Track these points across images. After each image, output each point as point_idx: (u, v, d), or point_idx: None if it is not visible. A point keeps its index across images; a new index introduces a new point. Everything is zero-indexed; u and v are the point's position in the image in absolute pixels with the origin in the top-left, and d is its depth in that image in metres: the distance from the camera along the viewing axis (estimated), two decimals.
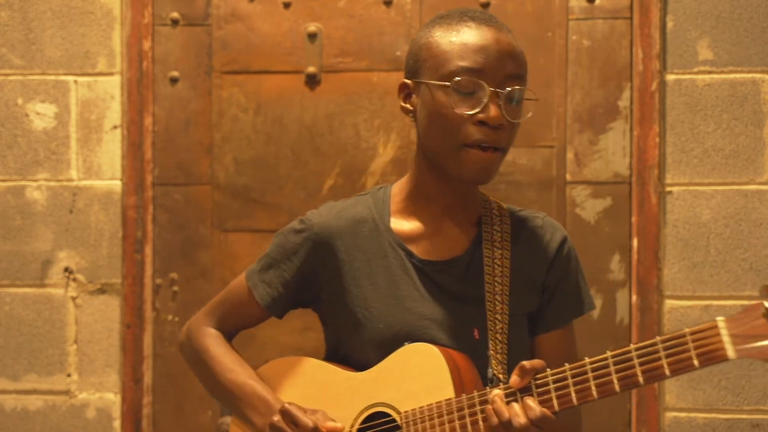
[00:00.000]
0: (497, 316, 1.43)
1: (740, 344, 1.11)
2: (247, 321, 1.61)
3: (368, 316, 1.46)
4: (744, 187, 2.39)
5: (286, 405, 1.42)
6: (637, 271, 2.42)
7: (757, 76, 2.39)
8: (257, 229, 2.56)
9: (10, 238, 2.55)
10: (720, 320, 1.13)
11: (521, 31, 2.50)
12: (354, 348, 1.49)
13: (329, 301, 1.52)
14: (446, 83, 1.38)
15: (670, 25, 2.42)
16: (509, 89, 1.38)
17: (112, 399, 2.53)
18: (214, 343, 1.58)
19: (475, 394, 1.31)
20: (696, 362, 1.16)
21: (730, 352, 1.12)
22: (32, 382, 2.54)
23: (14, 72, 2.56)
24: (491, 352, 1.41)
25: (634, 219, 2.44)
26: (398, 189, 1.54)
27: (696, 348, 1.16)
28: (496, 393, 1.27)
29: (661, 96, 2.42)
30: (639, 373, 1.22)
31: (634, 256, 2.43)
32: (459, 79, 1.37)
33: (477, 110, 1.37)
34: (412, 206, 1.50)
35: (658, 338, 1.19)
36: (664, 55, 2.42)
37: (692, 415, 2.39)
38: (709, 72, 2.40)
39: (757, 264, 2.37)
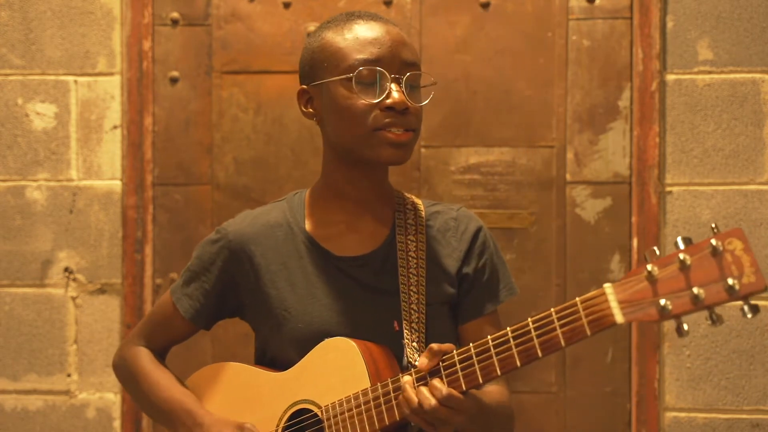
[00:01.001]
0: (413, 306, 1.47)
1: (627, 309, 1.14)
2: (175, 335, 1.64)
3: (287, 317, 1.49)
4: (744, 187, 2.39)
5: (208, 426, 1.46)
6: None
7: (757, 76, 2.39)
8: None
9: (10, 238, 2.55)
10: (607, 286, 1.16)
11: (521, 31, 2.50)
12: (278, 349, 1.52)
13: (251, 307, 1.55)
14: (349, 75, 1.43)
15: (670, 25, 2.42)
16: (409, 74, 1.43)
17: (112, 399, 2.53)
18: (142, 361, 1.62)
19: (389, 381, 1.35)
20: (588, 330, 1.17)
21: (618, 316, 1.14)
22: (32, 382, 2.54)
23: (14, 72, 2.56)
24: (406, 340, 1.44)
25: (634, 219, 2.44)
26: (312, 192, 1.58)
27: (587, 316, 1.17)
28: (406, 380, 1.31)
29: (661, 96, 2.42)
30: (537, 345, 1.22)
31: (634, 256, 2.43)
32: (361, 69, 1.42)
33: (382, 97, 1.42)
34: (326, 206, 1.54)
35: (552, 309, 1.21)
36: (664, 55, 2.42)
37: (692, 415, 2.39)
38: (709, 72, 2.40)
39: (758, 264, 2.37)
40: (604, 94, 2.50)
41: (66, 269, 2.54)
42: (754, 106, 2.39)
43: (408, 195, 1.59)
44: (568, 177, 2.50)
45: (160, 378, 1.59)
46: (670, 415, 2.39)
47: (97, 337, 2.54)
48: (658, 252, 1.14)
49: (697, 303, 1.09)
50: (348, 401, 1.39)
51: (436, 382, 1.28)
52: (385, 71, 1.42)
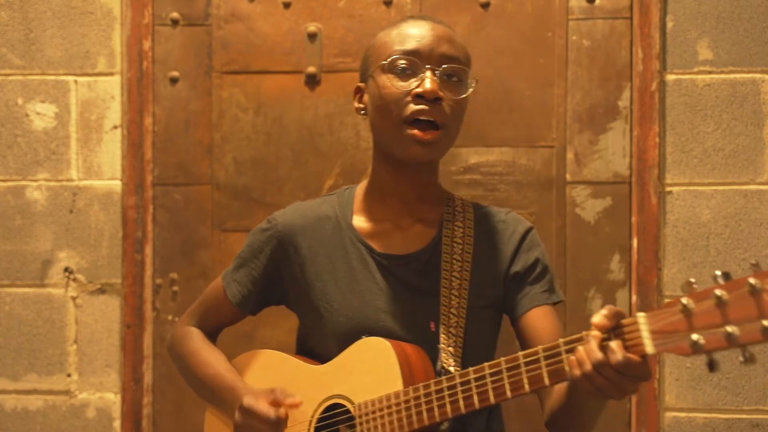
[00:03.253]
0: (452, 310, 1.48)
1: (659, 340, 1.13)
2: (225, 319, 1.68)
3: (330, 310, 1.52)
4: (744, 187, 2.39)
5: (243, 402, 1.47)
6: (637, 271, 2.42)
7: (757, 76, 2.39)
8: None
9: (10, 238, 2.55)
10: (641, 315, 1.15)
11: (521, 31, 2.50)
12: (318, 341, 1.55)
13: (295, 297, 1.59)
14: (384, 62, 1.47)
15: (670, 25, 2.42)
16: (445, 66, 1.47)
17: (112, 399, 2.53)
18: (193, 341, 1.66)
19: (420, 386, 1.37)
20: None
21: (649, 347, 1.14)
22: (32, 382, 2.54)
23: (14, 72, 2.56)
24: (442, 345, 1.45)
25: (634, 219, 2.44)
26: (361, 188, 1.61)
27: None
28: (594, 334, 1.20)
29: (661, 96, 2.42)
30: (565, 366, 1.23)
31: (634, 256, 2.43)
32: (396, 57, 1.46)
33: (414, 85, 1.45)
34: (373, 204, 1.57)
35: (584, 333, 1.21)
36: (664, 55, 2.42)
37: (692, 415, 2.39)
38: (709, 72, 2.40)
39: None
40: (604, 94, 2.50)
41: (66, 269, 2.54)
42: (754, 106, 2.39)
43: (458, 196, 1.61)
44: (568, 177, 2.50)
45: (208, 356, 1.62)
46: (670, 415, 2.39)
47: (97, 337, 2.54)
48: (695, 285, 1.12)
49: (730, 341, 1.07)
50: (381, 401, 1.41)
51: (615, 344, 1.18)
52: (420, 61, 1.46)
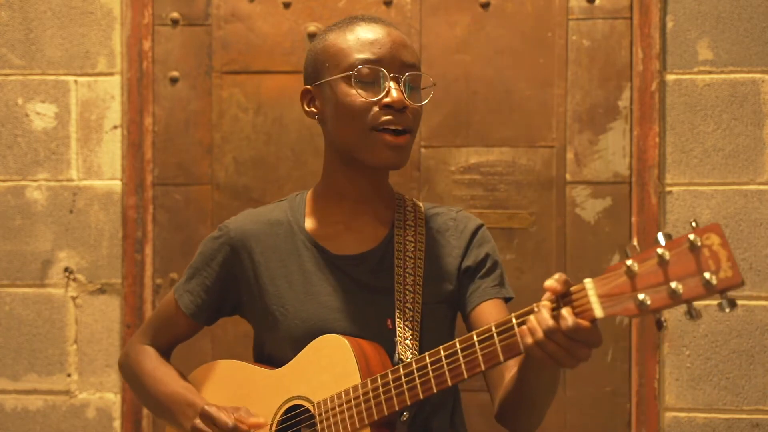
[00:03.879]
0: (407, 305, 1.49)
1: (606, 303, 1.14)
2: (179, 333, 1.66)
3: (284, 314, 1.51)
4: (744, 187, 2.39)
5: (205, 407, 1.47)
6: None
7: (757, 76, 2.39)
8: None
9: (10, 238, 2.55)
10: (587, 281, 1.17)
11: (521, 31, 2.50)
12: (275, 346, 1.55)
13: (249, 303, 1.58)
14: (349, 73, 1.46)
15: (670, 25, 2.42)
16: (408, 74, 1.47)
17: (112, 399, 2.53)
18: (146, 359, 1.64)
19: (378, 376, 1.37)
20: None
21: (598, 311, 1.15)
22: (32, 382, 2.54)
23: (14, 72, 2.56)
24: (399, 338, 1.46)
25: (634, 219, 2.44)
26: (313, 192, 1.61)
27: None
28: (544, 304, 1.21)
29: (661, 96, 2.42)
30: (519, 340, 1.24)
31: None
32: (361, 67, 1.46)
33: (381, 95, 1.45)
34: (325, 206, 1.57)
35: (534, 305, 1.22)
36: (664, 55, 2.42)
37: (692, 415, 2.39)
38: (709, 72, 2.40)
39: (757, 264, 2.37)
40: (604, 94, 2.50)
41: (66, 269, 2.55)
42: (754, 106, 2.39)
43: (408, 197, 1.62)
44: (568, 177, 2.50)
45: (163, 374, 1.61)
46: (670, 415, 2.39)
47: (97, 337, 2.54)
48: (638, 247, 1.15)
49: (674, 297, 1.09)
50: (339, 397, 1.41)
51: (565, 311, 1.19)
52: (385, 71, 1.46)
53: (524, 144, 2.51)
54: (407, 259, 1.52)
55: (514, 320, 1.24)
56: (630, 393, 2.45)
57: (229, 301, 1.61)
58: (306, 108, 1.55)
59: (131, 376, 1.67)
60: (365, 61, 1.46)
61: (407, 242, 1.54)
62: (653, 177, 2.41)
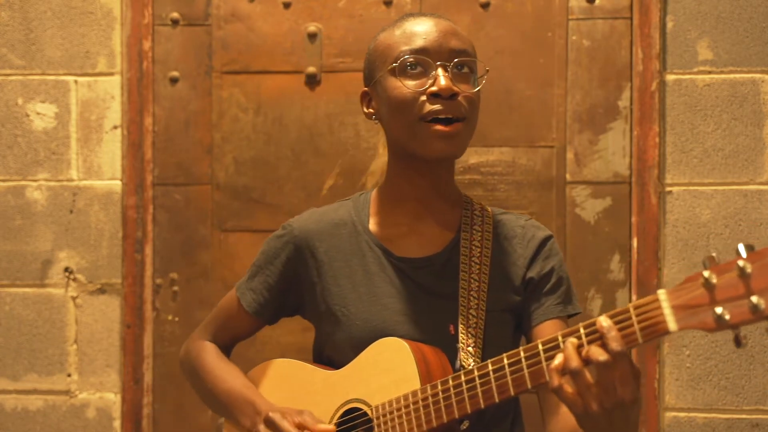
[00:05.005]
0: (471, 311, 1.45)
1: (681, 316, 1.08)
2: (240, 331, 1.65)
3: (347, 314, 1.49)
4: (744, 187, 2.39)
5: (270, 414, 1.44)
6: (637, 271, 2.42)
7: (757, 76, 2.39)
8: (257, 229, 2.56)
9: (10, 238, 2.55)
10: (661, 292, 1.11)
11: (521, 31, 2.50)
12: (335, 347, 1.52)
13: (311, 303, 1.56)
14: (393, 65, 1.44)
15: (670, 25, 2.42)
16: (456, 60, 1.44)
17: (112, 399, 2.53)
18: (207, 355, 1.63)
19: (438, 383, 1.34)
20: (640, 337, 1.12)
21: (671, 324, 1.09)
22: (32, 382, 2.54)
23: (14, 72, 2.56)
24: (461, 344, 1.43)
25: (634, 219, 2.44)
26: (377, 192, 1.58)
27: (639, 322, 1.12)
28: (571, 341, 1.16)
29: (661, 96, 2.42)
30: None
31: (634, 256, 2.43)
32: (405, 57, 1.43)
33: (428, 84, 1.42)
34: (389, 207, 1.54)
35: (603, 315, 1.16)
36: (664, 55, 2.42)
37: (692, 415, 2.39)
38: (709, 72, 2.40)
39: None
40: (604, 94, 2.50)
41: (66, 269, 2.55)
42: (754, 106, 2.39)
43: (476, 201, 1.58)
44: (568, 177, 2.50)
45: (223, 371, 1.60)
46: (670, 415, 2.39)
47: (97, 337, 2.54)
48: (717, 258, 1.08)
49: (756, 313, 1.02)
50: (398, 401, 1.38)
51: (596, 347, 1.13)
52: (430, 59, 1.43)
53: (524, 144, 2.51)
54: (473, 264, 1.48)
55: (582, 329, 1.18)
56: None
57: (291, 300, 1.59)
58: (365, 110, 1.54)
59: (191, 371, 1.65)
60: (409, 51, 1.43)
61: (473, 247, 1.50)
62: (653, 177, 2.41)
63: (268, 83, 2.57)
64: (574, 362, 1.14)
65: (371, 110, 1.53)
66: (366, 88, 1.54)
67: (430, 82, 1.42)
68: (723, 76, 2.40)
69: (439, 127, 1.41)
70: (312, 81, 2.55)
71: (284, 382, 1.57)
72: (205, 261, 2.57)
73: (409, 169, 1.50)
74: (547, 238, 1.53)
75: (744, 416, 2.37)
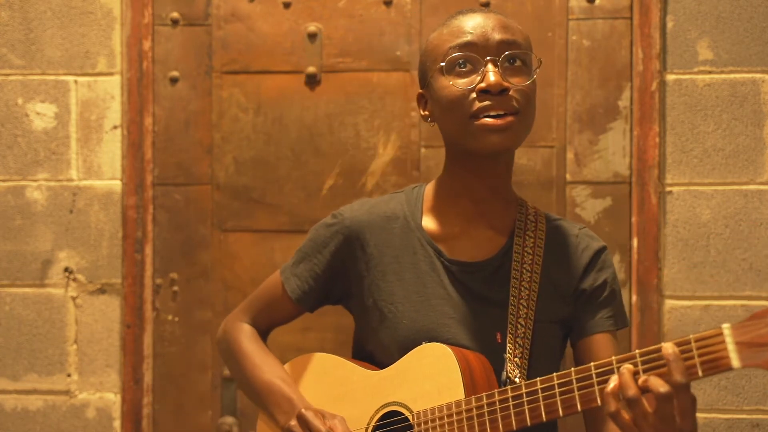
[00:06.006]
0: (520, 320, 1.41)
1: (745, 353, 1.05)
2: (280, 316, 1.61)
3: (393, 311, 1.46)
4: (744, 187, 2.39)
5: (303, 411, 1.42)
6: (637, 271, 2.42)
7: (757, 76, 2.39)
8: (257, 229, 2.56)
9: (10, 238, 2.55)
10: (726, 327, 1.07)
11: None
12: (378, 345, 1.49)
13: (357, 295, 1.52)
14: (441, 64, 1.40)
15: (670, 25, 2.42)
16: (506, 53, 1.38)
17: (112, 399, 2.53)
18: (246, 339, 1.59)
19: (484, 395, 1.31)
20: (700, 371, 1.09)
21: (735, 361, 1.05)
22: (32, 382, 2.54)
23: (14, 72, 2.56)
24: (508, 355, 1.39)
25: (634, 219, 2.44)
26: (431, 188, 1.54)
27: (700, 356, 1.09)
28: (627, 367, 1.14)
29: (661, 96, 2.42)
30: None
31: (634, 256, 2.43)
32: (452, 55, 1.39)
33: (477, 81, 1.37)
34: (444, 206, 1.51)
35: (668, 343, 1.13)
36: (664, 55, 2.42)
37: None
38: (709, 72, 2.40)
39: (757, 264, 2.37)
40: (604, 94, 2.50)
41: (66, 269, 2.54)
42: (754, 106, 2.39)
43: (531, 205, 1.54)
44: (568, 177, 2.50)
45: (262, 360, 1.56)
46: None
47: (97, 337, 2.54)
48: None
49: None
50: (440, 410, 1.35)
51: (655, 378, 1.10)
52: (478, 55, 1.38)
53: (524, 144, 2.49)
54: (524, 271, 1.44)
55: (638, 357, 1.15)
56: None
57: (336, 290, 1.56)
58: (421, 113, 1.51)
59: (228, 352, 1.62)
60: (457, 47, 1.38)
61: (525, 254, 1.46)
62: (653, 177, 2.41)
63: (268, 83, 2.57)
64: (632, 390, 1.12)
65: (426, 112, 1.49)
66: (421, 91, 1.50)
67: (479, 78, 1.37)
68: (723, 76, 2.40)
69: (489, 121, 1.37)
70: (312, 81, 2.55)
71: (324, 377, 1.54)
72: (205, 261, 2.57)
73: (465, 170, 1.47)
74: (602, 249, 1.50)
75: (744, 416, 2.37)
